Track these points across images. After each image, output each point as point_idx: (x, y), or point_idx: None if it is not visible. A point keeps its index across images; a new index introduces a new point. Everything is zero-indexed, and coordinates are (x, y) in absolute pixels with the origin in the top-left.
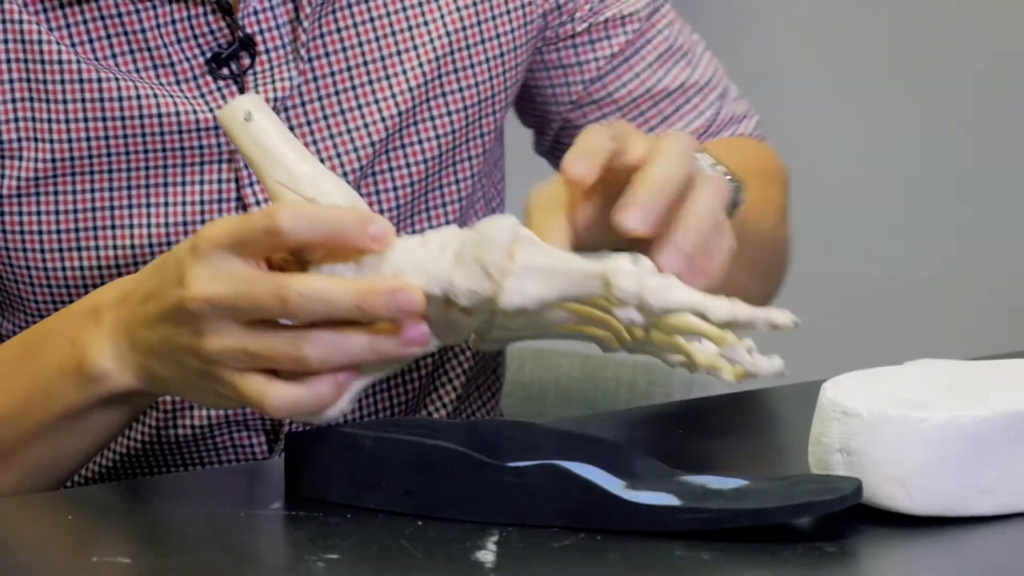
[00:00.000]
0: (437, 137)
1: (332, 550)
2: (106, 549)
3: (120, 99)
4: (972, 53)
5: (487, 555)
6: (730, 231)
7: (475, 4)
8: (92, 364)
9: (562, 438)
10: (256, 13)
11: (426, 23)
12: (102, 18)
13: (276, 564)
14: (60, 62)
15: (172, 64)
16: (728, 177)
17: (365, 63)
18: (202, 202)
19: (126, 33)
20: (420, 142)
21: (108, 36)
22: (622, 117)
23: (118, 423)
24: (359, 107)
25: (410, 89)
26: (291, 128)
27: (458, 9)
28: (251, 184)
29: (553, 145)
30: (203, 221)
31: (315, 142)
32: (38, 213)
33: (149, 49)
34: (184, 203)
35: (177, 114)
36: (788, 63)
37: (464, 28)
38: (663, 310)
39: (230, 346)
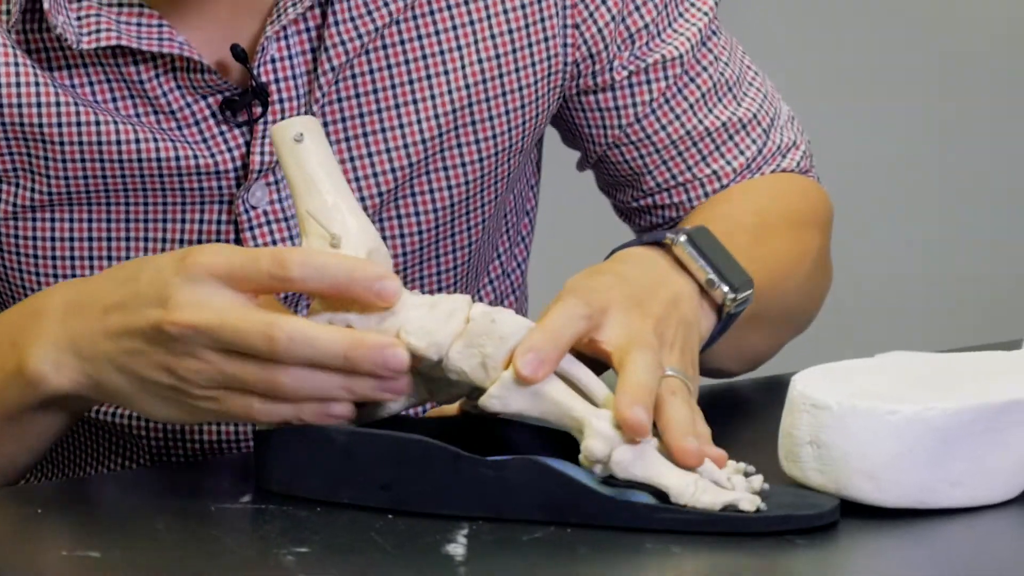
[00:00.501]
0: (449, 188)
1: (302, 543)
2: (75, 543)
3: (118, 143)
4: (953, 49)
5: (457, 548)
6: (701, 417)
7: (497, 57)
8: (30, 367)
9: (536, 433)
10: (273, 61)
11: (446, 72)
12: (104, 69)
13: (246, 557)
14: (57, 104)
15: (173, 111)
16: (727, 291)
17: (379, 110)
18: (200, 241)
19: (125, 80)
20: (431, 191)
21: (108, 80)
22: (659, 158)
23: (54, 428)
24: (369, 155)
25: (423, 140)
26: None
27: (479, 61)
28: (250, 228)
29: (594, 168)
30: None
31: None
32: (33, 238)
33: (147, 96)
34: (182, 241)
35: (177, 159)
36: (767, 51)
37: (484, 80)
38: (625, 481)
39: (206, 370)
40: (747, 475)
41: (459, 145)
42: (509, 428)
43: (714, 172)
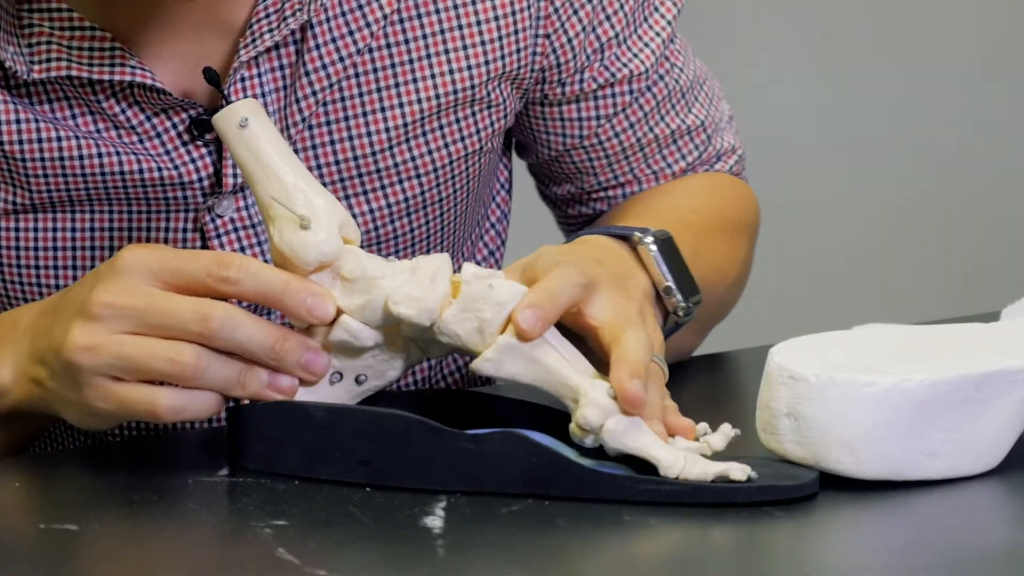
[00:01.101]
0: (421, 190)
1: (280, 516)
2: (53, 516)
3: (81, 157)
4: (923, 21)
5: (435, 521)
6: (674, 409)
7: (468, 68)
8: None
9: (514, 407)
10: (243, 80)
11: (415, 80)
12: (61, 88)
13: (223, 531)
14: (18, 121)
15: (133, 127)
16: (678, 300)
17: (346, 118)
18: None
19: (83, 99)
20: (402, 191)
21: (67, 99)
22: (606, 162)
23: (27, 433)
24: (335, 163)
25: (390, 147)
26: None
27: (451, 72)
28: (217, 236)
29: (533, 167)
30: None
31: None
32: (8, 247)
33: (106, 113)
34: None
35: (141, 171)
36: (738, 34)
37: (455, 91)
38: (616, 452)
39: (99, 347)
40: (726, 434)
41: (429, 152)
42: (490, 402)
43: (654, 172)
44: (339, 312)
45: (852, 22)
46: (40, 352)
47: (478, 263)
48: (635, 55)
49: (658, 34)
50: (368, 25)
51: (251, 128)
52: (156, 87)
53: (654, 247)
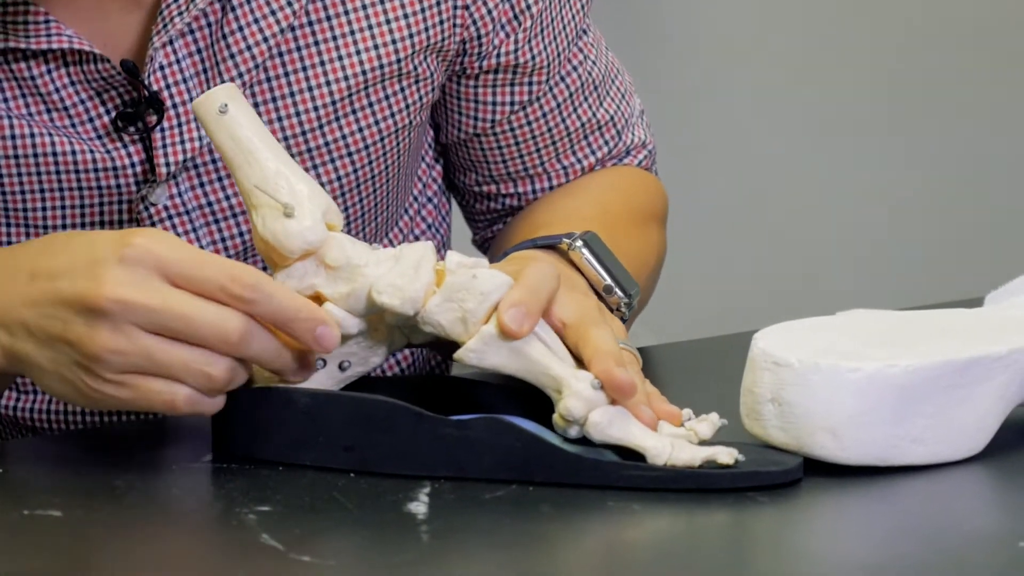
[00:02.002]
0: (355, 171)
1: (264, 502)
2: (36, 502)
3: (13, 138)
4: (904, 16)
5: (419, 507)
6: (656, 393)
7: (393, 42)
8: None
9: (497, 392)
10: (162, 68)
11: (340, 57)
12: None
13: (207, 517)
14: None
15: (67, 108)
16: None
17: (274, 98)
18: None
19: (16, 77)
20: (335, 170)
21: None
22: (516, 151)
23: None
24: None
25: (320, 125)
26: (201, 182)
27: (375, 47)
28: (152, 225)
29: (443, 153)
30: None
31: (224, 188)
32: None
33: (40, 93)
34: None
35: (74, 154)
36: (727, 23)
37: (381, 65)
38: (602, 443)
39: (128, 352)
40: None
41: (359, 130)
42: (474, 388)
43: (563, 168)
44: (323, 300)
45: (842, 8)
46: (26, 321)
47: (417, 237)
48: (546, 40)
49: (570, 21)
50: (290, 3)
51: (231, 113)
52: (94, 54)
53: (585, 250)
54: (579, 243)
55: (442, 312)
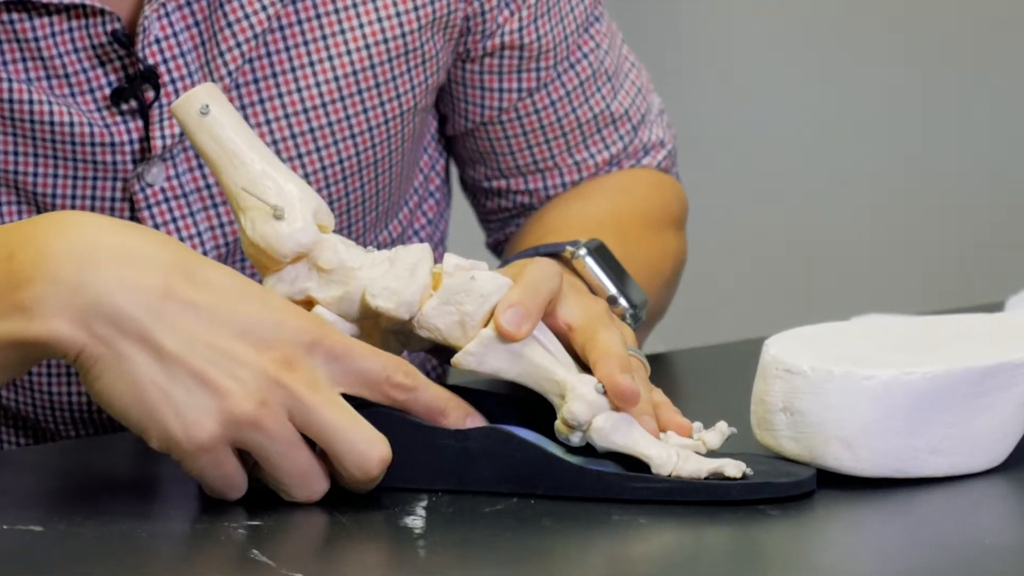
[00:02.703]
0: (357, 154)
1: (254, 517)
2: (16, 517)
3: (11, 101)
4: (911, 10)
5: (416, 520)
6: (660, 392)
7: (398, 15)
8: (32, 315)
9: (497, 401)
10: (158, 42)
11: (343, 32)
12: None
13: (195, 532)
14: None
15: (67, 75)
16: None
17: (274, 75)
18: None
19: (19, 39)
20: (338, 152)
21: (0, 42)
22: (524, 141)
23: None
24: (267, 122)
25: (323, 104)
26: (200, 163)
27: (379, 20)
28: (148, 207)
29: (452, 147)
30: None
31: None
32: None
33: (42, 57)
34: None
35: (71, 125)
36: (736, 19)
37: (385, 40)
38: (605, 450)
39: (273, 432)
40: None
41: (364, 110)
42: (472, 397)
43: (576, 163)
44: (314, 303)
45: (862, 15)
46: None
47: (416, 232)
48: (553, 24)
49: (578, 5)
50: None
51: (212, 115)
52: (104, 9)
53: (589, 259)
54: (583, 251)
55: (439, 315)
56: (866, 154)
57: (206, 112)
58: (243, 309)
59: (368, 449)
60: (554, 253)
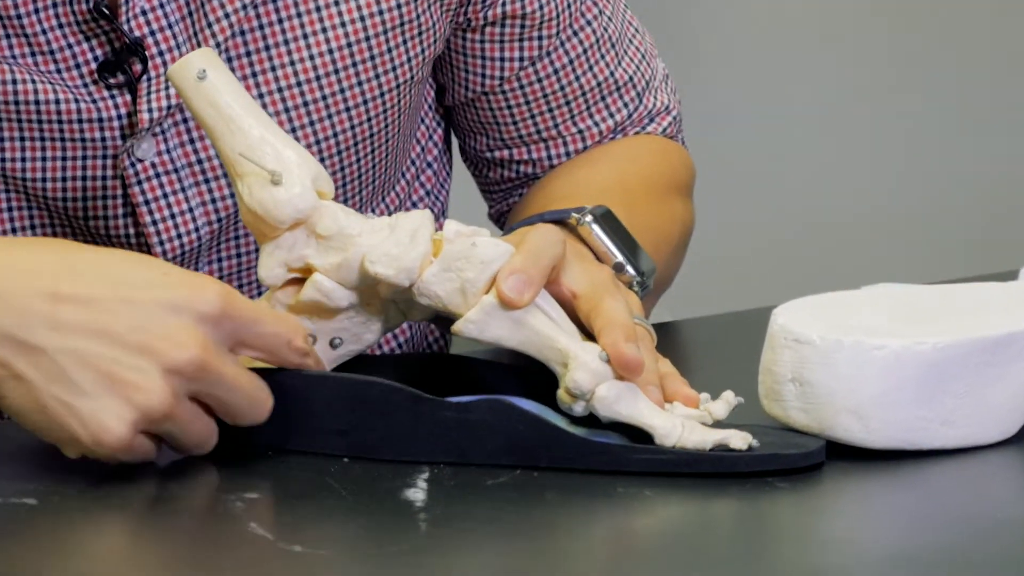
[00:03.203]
0: (352, 128)
1: (251, 489)
2: (10, 490)
3: None
4: None
5: (417, 493)
6: (666, 362)
7: None
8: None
9: (499, 371)
10: (145, 14)
11: (337, 3)
12: None
13: (191, 505)
14: None
15: (52, 52)
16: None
17: (267, 47)
18: (84, 198)
19: (1, 19)
20: (332, 126)
21: None
22: (527, 110)
23: None
24: (260, 96)
25: (317, 77)
26: (191, 138)
27: None
28: (139, 183)
29: (452, 117)
30: (85, 218)
31: None
32: None
33: (25, 34)
34: (65, 199)
35: (57, 103)
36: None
37: (381, 12)
38: (608, 420)
39: (178, 416)
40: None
41: (359, 83)
42: (474, 367)
43: (580, 131)
44: (313, 270)
45: None
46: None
47: (415, 203)
48: None
49: None
50: None
51: (210, 79)
52: None
53: (595, 226)
54: (588, 218)
55: (439, 282)
56: (878, 122)
57: (203, 77)
58: (139, 296)
59: (262, 399)
60: (559, 220)
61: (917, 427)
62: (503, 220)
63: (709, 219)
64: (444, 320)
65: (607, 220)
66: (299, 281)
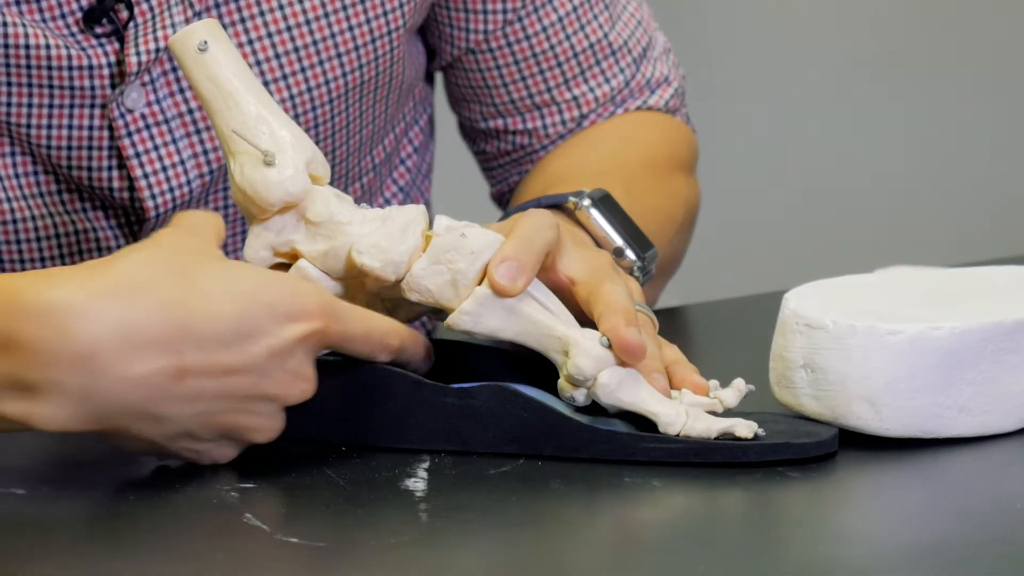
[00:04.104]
0: (344, 75)
1: (247, 479)
2: (1, 480)
3: None
4: None
5: (417, 483)
6: (672, 348)
7: None
8: (45, 422)
9: (501, 358)
10: None
11: None
12: None
13: (185, 495)
14: None
15: (41, 9)
16: (639, 265)
17: None
18: (69, 147)
19: None
20: (323, 73)
21: None
22: (516, 71)
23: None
24: (249, 42)
25: (307, 22)
26: (180, 88)
27: None
28: (128, 134)
29: (445, 74)
30: (69, 167)
31: None
32: None
33: None
34: (50, 147)
35: (47, 47)
36: None
37: None
38: (612, 408)
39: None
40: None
41: (349, 28)
42: (475, 355)
43: (574, 98)
44: (299, 256)
45: None
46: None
47: (403, 160)
48: None
49: None
50: None
51: (211, 51)
52: None
53: (594, 210)
54: (586, 202)
55: (429, 276)
56: (893, 100)
57: (204, 49)
58: (256, 351)
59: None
60: (557, 205)
61: (932, 415)
62: (505, 201)
63: (719, 201)
64: (437, 313)
65: (606, 204)
66: (285, 266)
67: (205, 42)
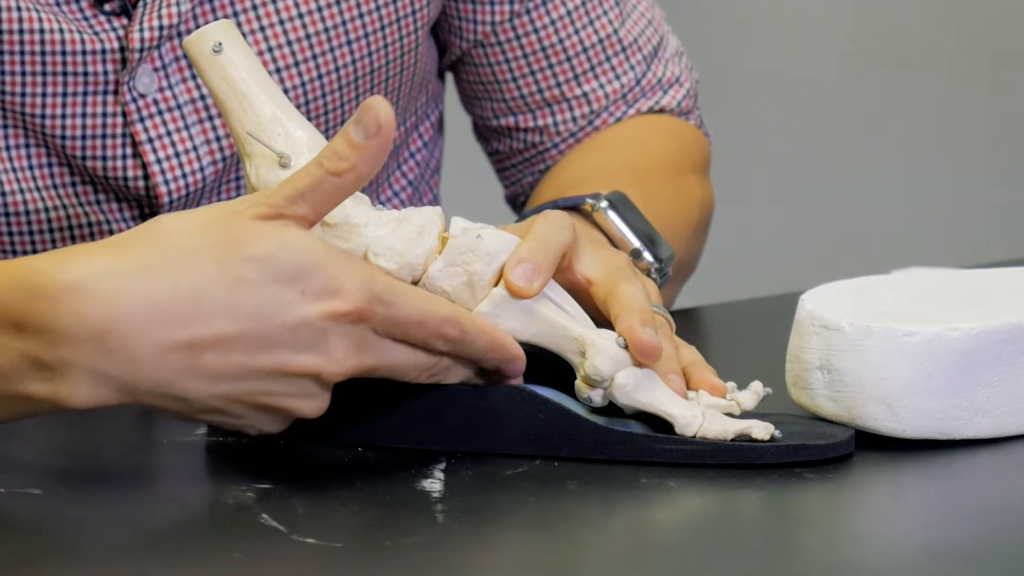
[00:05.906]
0: (354, 62)
1: (263, 479)
2: (14, 480)
3: None
4: None
5: (434, 484)
6: (690, 349)
7: None
8: (70, 401)
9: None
10: None
11: None
12: None
13: (201, 495)
14: None
15: None
16: (657, 267)
17: None
18: (84, 136)
19: None
20: (335, 59)
21: None
22: (525, 64)
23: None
24: (261, 29)
25: (319, 8)
26: (193, 73)
27: None
28: (140, 120)
29: (455, 71)
30: (83, 157)
31: None
32: None
33: None
34: (64, 137)
35: (60, 32)
36: None
37: None
38: (628, 409)
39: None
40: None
41: (360, 15)
42: None
43: (584, 94)
44: None
45: None
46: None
47: (412, 155)
48: None
49: None
50: None
51: (225, 53)
52: None
53: (611, 212)
54: (603, 204)
55: (446, 277)
56: (909, 98)
57: (219, 50)
58: (283, 317)
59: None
60: (574, 207)
61: (949, 416)
62: (519, 203)
63: (735, 202)
64: None
65: (623, 205)
66: None
67: (219, 43)
